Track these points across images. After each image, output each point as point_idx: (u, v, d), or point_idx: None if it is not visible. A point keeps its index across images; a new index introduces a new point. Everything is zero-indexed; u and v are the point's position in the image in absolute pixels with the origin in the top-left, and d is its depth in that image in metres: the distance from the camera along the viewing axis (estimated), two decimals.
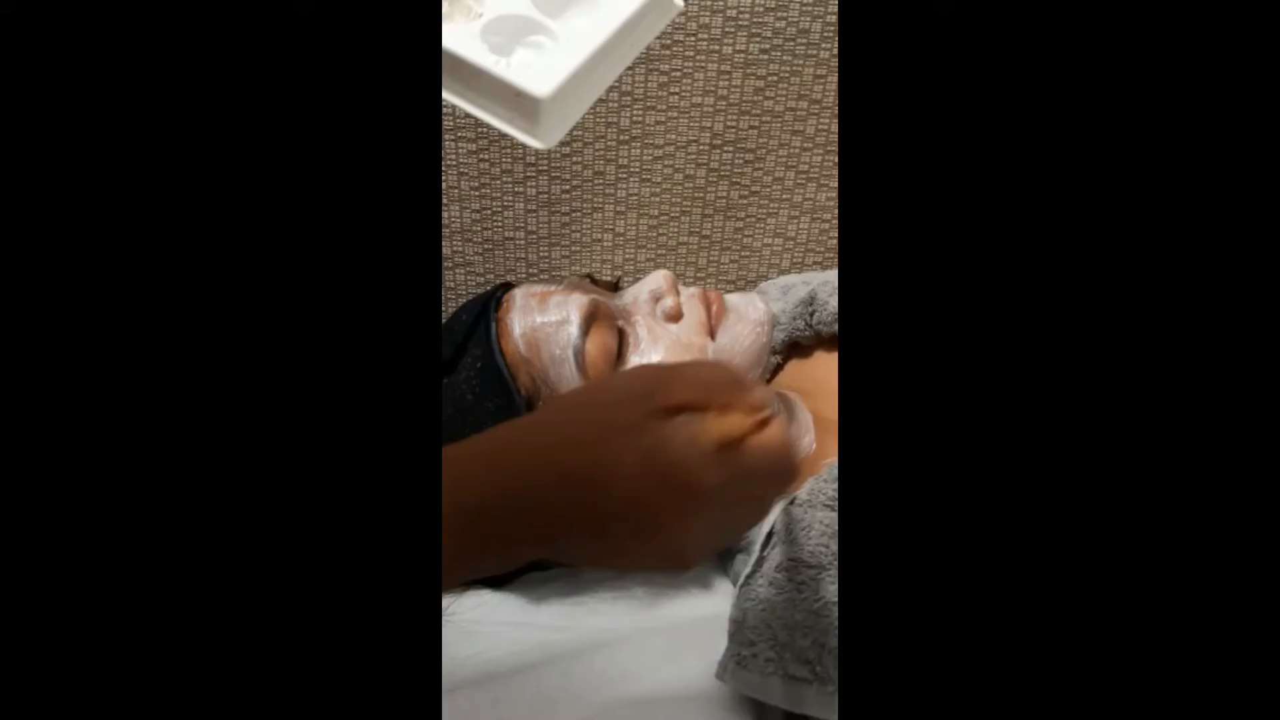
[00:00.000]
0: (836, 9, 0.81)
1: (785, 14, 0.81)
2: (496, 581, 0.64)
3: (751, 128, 0.87)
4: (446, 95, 0.49)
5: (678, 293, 0.59)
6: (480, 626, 0.61)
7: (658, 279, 0.59)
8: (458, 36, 0.47)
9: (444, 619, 0.58)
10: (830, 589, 0.53)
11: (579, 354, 0.55)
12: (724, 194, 0.91)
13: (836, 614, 0.52)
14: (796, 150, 0.89)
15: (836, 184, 0.92)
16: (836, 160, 0.90)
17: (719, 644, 0.56)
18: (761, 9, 0.81)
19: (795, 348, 0.74)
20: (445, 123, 0.82)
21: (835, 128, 0.88)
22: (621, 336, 0.56)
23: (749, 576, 0.57)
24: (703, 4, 0.80)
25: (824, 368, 0.72)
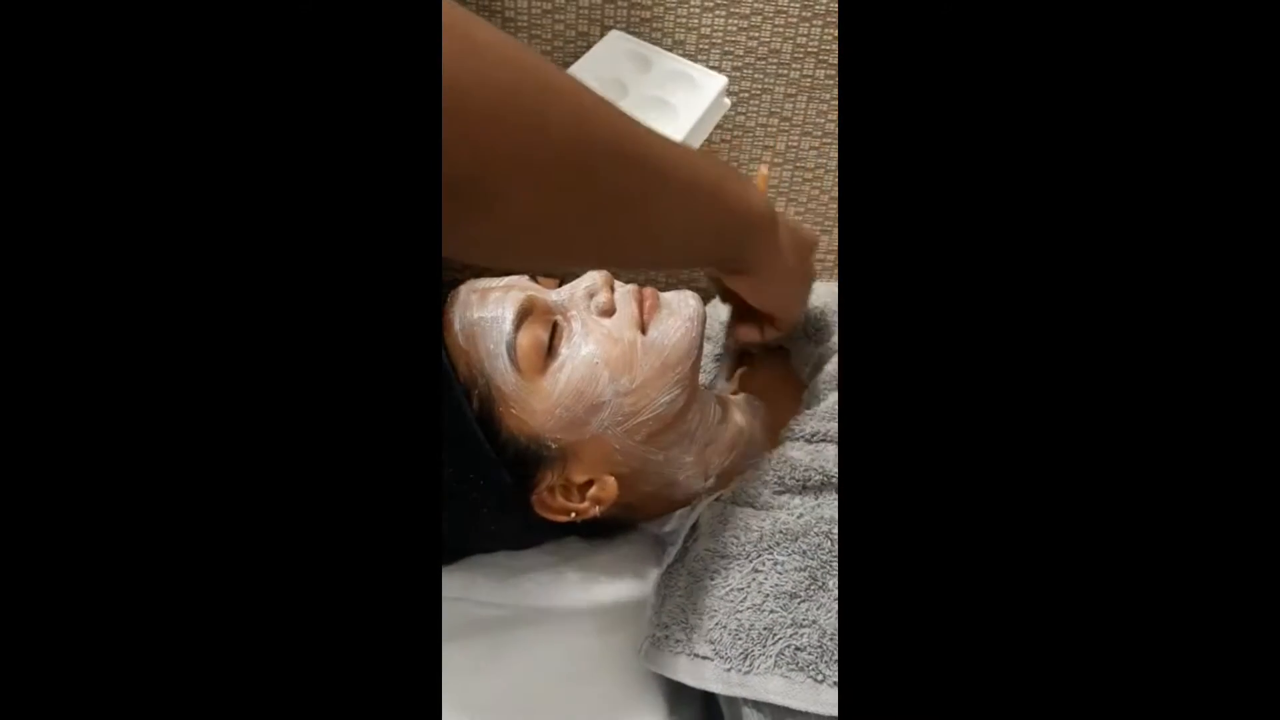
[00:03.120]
0: (804, 32, 0.84)
1: (757, 34, 0.85)
2: (444, 559, 0.68)
3: (723, 141, 0.91)
4: None
5: (612, 289, 0.62)
6: None
7: (593, 276, 0.62)
8: None
9: None
10: (736, 576, 0.56)
11: (511, 348, 0.58)
12: None
13: (741, 599, 0.55)
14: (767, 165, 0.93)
15: (804, 200, 0.95)
16: (805, 178, 0.94)
17: (644, 627, 0.60)
18: (735, 29, 0.84)
19: (744, 355, 0.78)
20: None
21: (805, 144, 0.92)
22: (555, 329, 0.59)
23: (671, 565, 0.61)
24: (678, 21, 0.84)
25: (769, 375, 0.76)
